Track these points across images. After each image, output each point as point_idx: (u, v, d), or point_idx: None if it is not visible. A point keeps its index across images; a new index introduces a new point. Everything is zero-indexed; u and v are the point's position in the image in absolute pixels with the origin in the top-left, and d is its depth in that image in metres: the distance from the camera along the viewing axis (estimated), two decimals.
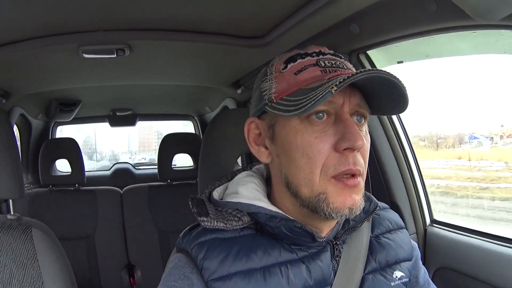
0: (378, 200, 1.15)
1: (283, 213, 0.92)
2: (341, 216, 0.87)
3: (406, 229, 1.59)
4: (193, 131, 4.25)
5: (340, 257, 0.97)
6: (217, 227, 0.90)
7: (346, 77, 0.80)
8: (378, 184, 1.77)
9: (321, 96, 0.80)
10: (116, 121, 4.06)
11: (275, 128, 0.93)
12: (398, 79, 0.84)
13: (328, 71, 0.89)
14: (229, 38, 1.83)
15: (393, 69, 1.74)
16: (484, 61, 1.68)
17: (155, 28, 1.74)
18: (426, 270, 1.15)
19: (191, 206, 0.95)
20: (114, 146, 5.83)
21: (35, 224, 1.46)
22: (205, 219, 0.90)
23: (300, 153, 0.87)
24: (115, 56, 1.88)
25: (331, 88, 0.79)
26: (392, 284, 1.00)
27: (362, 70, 0.81)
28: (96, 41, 1.77)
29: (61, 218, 2.81)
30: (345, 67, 0.92)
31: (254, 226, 0.93)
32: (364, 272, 0.98)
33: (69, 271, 1.48)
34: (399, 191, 1.76)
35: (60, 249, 1.49)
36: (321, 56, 0.92)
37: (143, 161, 5.19)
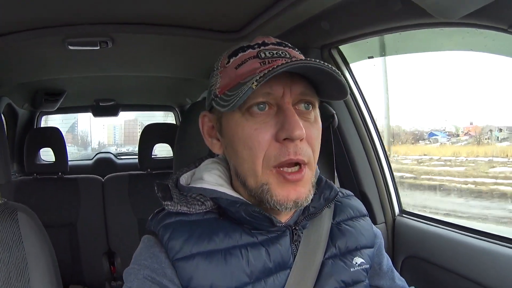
0: (347, 190, 1.19)
1: (243, 198, 0.95)
2: (286, 208, 0.88)
3: (374, 217, 1.63)
4: (174, 122, 4.25)
5: (299, 242, 1.00)
6: (180, 210, 0.93)
7: (266, 71, 0.81)
8: (347, 174, 1.81)
9: (244, 92, 0.82)
10: (99, 111, 4.07)
11: (222, 121, 0.96)
12: (326, 66, 0.84)
13: (266, 62, 0.90)
14: (206, 32, 1.87)
15: (364, 64, 1.80)
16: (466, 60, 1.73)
17: (136, 22, 1.78)
18: (389, 258, 1.18)
19: (156, 191, 0.97)
20: (103, 138, 5.92)
21: (20, 208, 1.47)
22: (169, 203, 0.94)
23: (242, 145, 0.89)
24: (98, 48, 1.93)
25: (252, 84, 0.81)
26: (352, 269, 1.02)
27: (288, 62, 0.83)
28: (81, 34, 1.82)
29: (45, 205, 2.81)
30: (287, 55, 0.92)
31: (217, 210, 0.96)
32: (324, 257, 1.00)
33: (52, 254, 1.50)
34: (368, 181, 1.80)
35: (44, 233, 1.50)
36: (262, 48, 0.93)
37: (125, 151, 5.19)
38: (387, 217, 1.80)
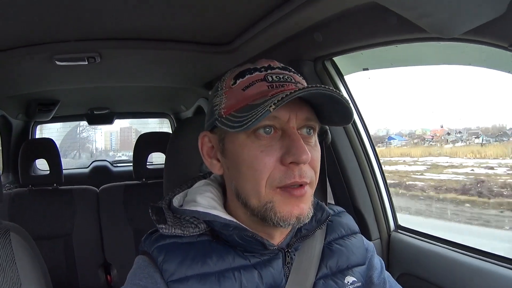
0: (341, 206, 1.18)
1: (236, 221, 0.95)
2: (289, 224, 0.89)
3: (369, 233, 1.61)
4: (170, 129, 4.27)
5: (292, 264, 1.00)
6: (174, 233, 0.93)
7: (284, 95, 0.82)
8: (341, 189, 1.78)
9: (260, 114, 0.82)
10: (94, 119, 4.08)
11: (225, 142, 0.95)
12: (339, 94, 0.86)
13: (274, 86, 0.91)
14: (196, 45, 1.86)
15: (359, 76, 1.76)
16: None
17: (124, 37, 1.78)
18: (384, 270, 1.15)
19: (150, 214, 0.97)
20: (100, 145, 5.97)
21: (13, 228, 1.47)
22: (164, 226, 0.94)
23: (246, 166, 0.90)
24: (86, 63, 1.93)
25: (269, 107, 0.81)
26: None
27: (304, 87, 0.85)
28: (68, 50, 1.82)
29: (40, 217, 2.81)
30: (292, 80, 0.94)
31: (210, 233, 0.97)
32: (315, 277, 1.01)
33: (45, 273, 1.51)
34: (362, 197, 1.77)
35: (37, 252, 1.51)
36: (269, 71, 0.95)
37: (121, 158, 5.18)
38: (382, 233, 1.77)
